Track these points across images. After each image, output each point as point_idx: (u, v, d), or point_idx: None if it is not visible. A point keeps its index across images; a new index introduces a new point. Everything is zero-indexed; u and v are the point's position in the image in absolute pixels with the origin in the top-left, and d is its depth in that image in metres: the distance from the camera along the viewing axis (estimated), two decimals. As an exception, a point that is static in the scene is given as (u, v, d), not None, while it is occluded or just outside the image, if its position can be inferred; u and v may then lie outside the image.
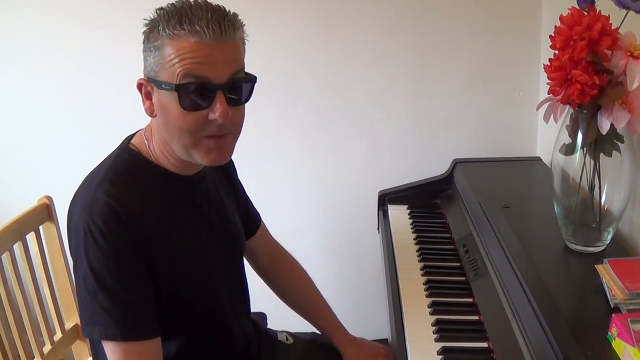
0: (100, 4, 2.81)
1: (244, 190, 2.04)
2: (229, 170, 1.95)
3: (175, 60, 1.45)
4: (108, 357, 1.55)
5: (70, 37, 2.88)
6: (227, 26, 1.46)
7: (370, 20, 2.77)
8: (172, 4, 1.50)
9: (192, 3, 1.48)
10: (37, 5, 2.85)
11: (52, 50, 2.91)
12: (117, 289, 1.50)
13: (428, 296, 1.97)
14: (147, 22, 1.52)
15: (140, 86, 1.58)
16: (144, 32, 1.52)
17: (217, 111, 1.48)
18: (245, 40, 1.56)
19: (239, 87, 1.53)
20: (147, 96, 1.57)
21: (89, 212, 1.50)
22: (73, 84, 2.95)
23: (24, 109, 3.04)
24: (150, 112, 1.58)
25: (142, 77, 1.57)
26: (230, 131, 1.56)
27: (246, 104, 1.58)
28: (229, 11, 1.51)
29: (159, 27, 1.47)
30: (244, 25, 1.54)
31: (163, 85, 1.48)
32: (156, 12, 1.50)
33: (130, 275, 1.52)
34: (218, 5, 1.50)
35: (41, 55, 2.92)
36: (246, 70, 1.57)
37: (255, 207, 2.09)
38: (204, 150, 1.54)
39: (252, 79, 1.56)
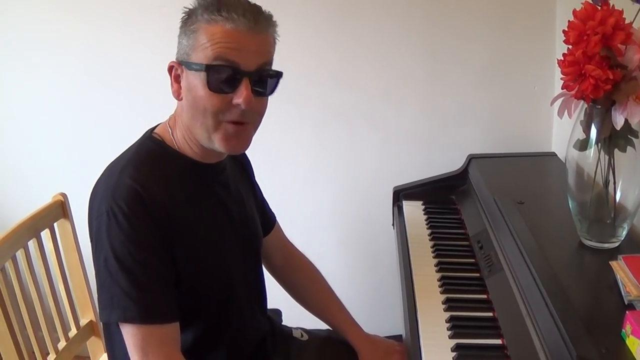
0: (114, 4, 2.83)
1: (261, 192, 2.06)
2: (247, 169, 1.99)
3: (209, 43, 1.53)
4: (127, 342, 1.55)
5: (83, 36, 2.91)
6: (261, 19, 1.55)
7: (383, 15, 2.77)
8: None
9: None
10: (51, 4, 2.87)
11: (67, 49, 2.94)
12: (137, 272, 1.51)
13: (442, 292, 1.97)
14: (186, 9, 1.60)
15: (170, 69, 1.64)
16: (182, 18, 1.60)
17: (242, 96, 1.54)
18: (277, 41, 1.64)
19: (265, 79, 1.60)
20: (176, 79, 1.63)
21: (112, 195, 1.53)
22: (88, 82, 2.98)
23: (39, 107, 3.07)
24: (177, 94, 1.64)
25: (174, 60, 1.63)
26: (250, 120, 1.62)
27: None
28: (266, 10, 1.60)
29: (197, 12, 1.55)
30: (277, 26, 1.62)
31: (193, 66, 1.55)
32: (197, 1, 1.59)
33: (152, 259, 1.54)
34: (255, 3, 1.59)
35: (56, 53, 2.95)
36: None
37: (270, 205, 2.10)
38: (224, 134, 1.59)
39: (278, 74, 1.63)
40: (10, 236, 1.98)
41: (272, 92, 1.64)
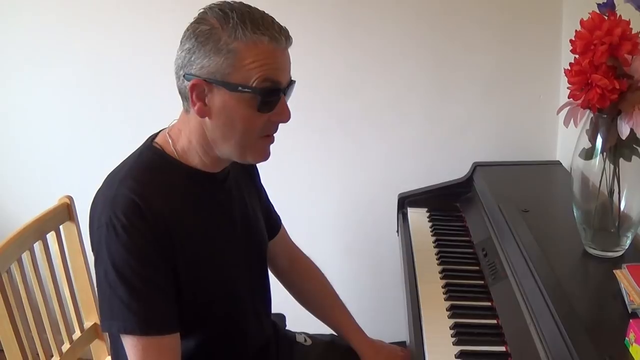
0: (120, 11, 2.85)
1: (267, 196, 2.05)
2: (253, 174, 1.97)
3: (255, 64, 1.48)
4: (127, 352, 1.56)
5: (90, 41, 2.92)
6: (288, 34, 1.54)
7: (390, 23, 2.78)
8: (228, 6, 1.50)
9: (249, 8, 1.52)
10: (58, 11, 2.90)
11: (73, 54, 2.95)
12: (137, 284, 1.51)
13: (447, 299, 1.97)
14: (200, 19, 1.51)
15: (193, 87, 1.52)
16: (201, 31, 1.49)
17: (284, 112, 1.58)
18: None
19: (290, 91, 1.62)
20: (199, 97, 1.53)
21: (111, 206, 1.52)
22: (93, 86, 3.00)
23: (45, 110, 3.08)
24: (202, 113, 1.55)
25: (198, 77, 1.51)
26: None
27: None
28: None
29: (234, 29, 1.47)
30: None
31: (238, 87, 1.49)
32: (216, 11, 1.50)
33: (151, 271, 1.53)
34: None
35: (62, 58, 2.97)
36: None
37: (276, 210, 2.10)
38: (260, 149, 1.63)
39: (294, 83, 1.63)
40: (16, 238, 1.99)
41: None
